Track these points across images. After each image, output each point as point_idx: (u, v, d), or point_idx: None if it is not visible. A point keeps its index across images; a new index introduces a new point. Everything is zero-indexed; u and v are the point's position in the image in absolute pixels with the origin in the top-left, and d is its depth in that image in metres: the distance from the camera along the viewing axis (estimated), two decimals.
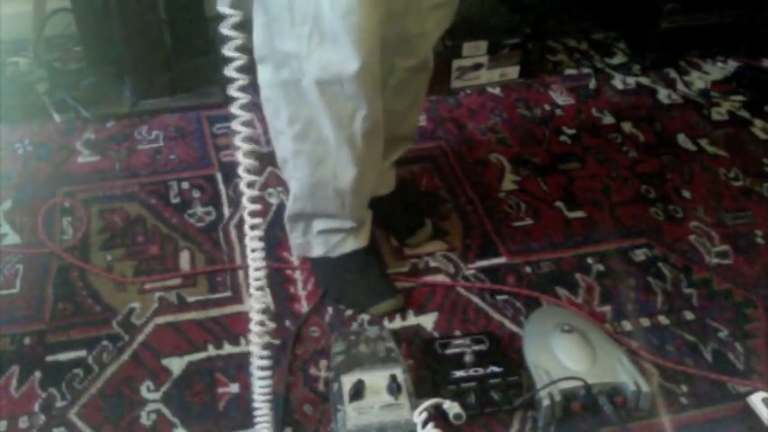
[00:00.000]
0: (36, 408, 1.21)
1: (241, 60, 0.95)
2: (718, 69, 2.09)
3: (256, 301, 1.06)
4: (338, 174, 1.23)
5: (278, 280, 1.42)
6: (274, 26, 1.10)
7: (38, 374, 1.26)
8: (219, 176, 1.69)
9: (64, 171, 1.70)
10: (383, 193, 1.48)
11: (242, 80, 0.96)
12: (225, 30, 0.93)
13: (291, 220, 1.37)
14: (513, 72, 2.01)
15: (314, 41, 1.08)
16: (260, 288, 1.06)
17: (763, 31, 2.08)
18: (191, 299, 1.40)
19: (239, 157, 1.01)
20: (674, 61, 2.10)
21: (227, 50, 0.95)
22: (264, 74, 1.17)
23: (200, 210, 1.60)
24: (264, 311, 1.08)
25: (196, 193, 1.64)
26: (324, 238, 1.37)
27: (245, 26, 0.96)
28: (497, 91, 1.99)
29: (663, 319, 1.38)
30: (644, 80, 2.04)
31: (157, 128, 1.84)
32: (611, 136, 1.84)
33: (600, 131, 1.85)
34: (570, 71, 2.07)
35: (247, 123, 0.99)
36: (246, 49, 0.97)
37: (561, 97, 1.97)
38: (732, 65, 2.10)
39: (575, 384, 1.17)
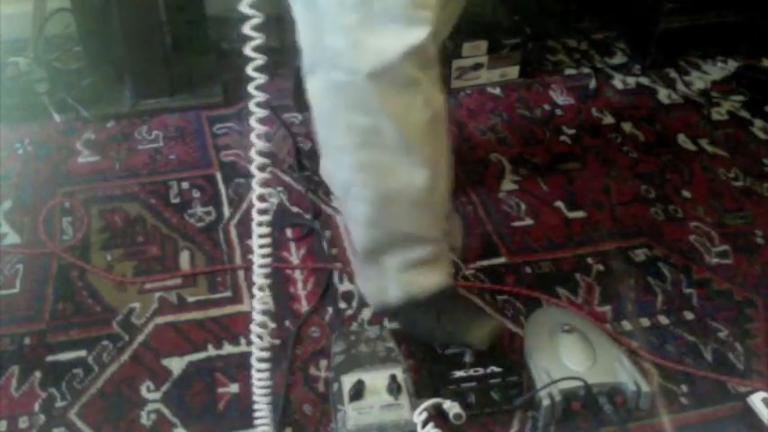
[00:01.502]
0: (36, 408, 1.21)
1: (261, 61, 0.93)
2: (718, 69, 2.09)
3: (258, 290, 1.05)
4: (410, 179, 1.15)
5: (278, 280, 1.42)
6: (322, 22, 1.06)
7: (38, 374, 1.26)
8: (219, 176, 1.68)
9: (64, 171, 1.70)
10: None
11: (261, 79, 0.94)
12: (247, 30, 0.89)
13: (365, 259, 1.25)
14: (513, 72, 2.01)
15: (365, 27, 1.03)
16: (263, 269, 1.03)
17: (763, 31, 2.08)
18: (191, 299, 1.40)
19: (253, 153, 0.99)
20: (674, 61, 2.09)
21: (248, 51, 0.92)
22: (316, 84, 1.12)
23: (200, 210, 1.60)
24: (264, 301, 1.06)
25: (196, 193, 1.64)
26: (402, 277, 1.25)
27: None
28: (497, 91, 1.98)
29: (663, 319, 1.38)
30: (644, 80, 2.04)
31: (157, 128, 1.83)
32: (611, 136, 1.83)
33: (600, 131, 1.85)
34: (570, 71, 2.07)
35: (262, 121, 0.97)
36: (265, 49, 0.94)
37: (561, 97, 1.97)
38: (732, 65, 2.10)
39: (575, 384, 1.17)
